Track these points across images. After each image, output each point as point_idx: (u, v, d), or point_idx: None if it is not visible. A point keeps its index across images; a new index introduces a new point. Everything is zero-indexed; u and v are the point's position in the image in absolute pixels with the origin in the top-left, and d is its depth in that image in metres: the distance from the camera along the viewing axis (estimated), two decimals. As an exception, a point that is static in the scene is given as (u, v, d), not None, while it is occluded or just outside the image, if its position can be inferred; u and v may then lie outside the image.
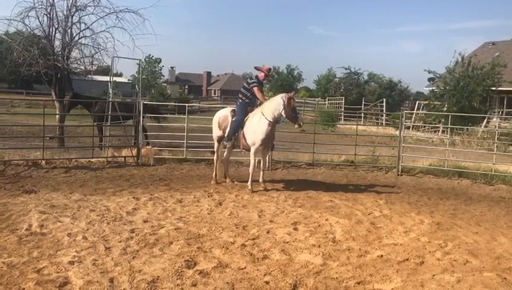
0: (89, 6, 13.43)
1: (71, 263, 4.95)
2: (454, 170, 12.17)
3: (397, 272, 5.11)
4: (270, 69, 9.78)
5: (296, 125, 9.07)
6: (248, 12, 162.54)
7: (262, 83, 9.86)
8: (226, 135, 9.58)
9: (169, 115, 20.69)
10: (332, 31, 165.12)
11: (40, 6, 13.06)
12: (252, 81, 9.53)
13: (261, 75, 9.54)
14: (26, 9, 12.90)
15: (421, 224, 7.24)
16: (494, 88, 26.59)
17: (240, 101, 9.54)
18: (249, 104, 9.47)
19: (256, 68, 9.72)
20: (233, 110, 9.69)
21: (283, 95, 9.09)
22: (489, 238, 6.67)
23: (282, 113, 8.91)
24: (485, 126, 23.65)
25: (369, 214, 7.72)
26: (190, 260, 5.17)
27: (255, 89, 9.33)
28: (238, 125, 9.36)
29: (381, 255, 5.63)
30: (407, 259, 5.54)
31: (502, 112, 28.09)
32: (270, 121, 9.01)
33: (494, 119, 25.65)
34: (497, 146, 13.74)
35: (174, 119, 18.02)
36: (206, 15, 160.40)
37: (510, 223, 7.72)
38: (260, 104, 9.43)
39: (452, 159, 13.02)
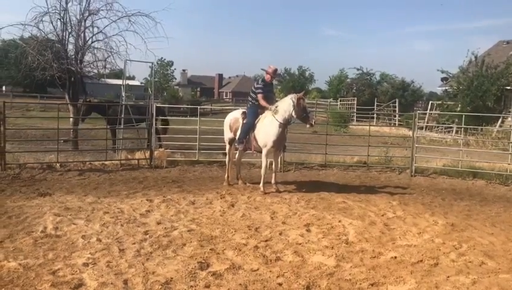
0: (102, 10, 13.58)
1: (85, 264, 5.00)
2: (469, 170, 12.04)
3: (411, 273, 5.07)
4: (276, 70, 9.67)
5: (308, 125, 9.04)
6: (259, 14, 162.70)
7: (271, 84, 9.86)
8: (237, 138, 9.59)
9: (181, 117, 20.80)
10: (344, 32, 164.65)
11: (54, 11, 13.26)
12: (258, 86, 9.45)
13: (267, 77, 9.53)
14: (40, 14, 13.11)
15: (435, 225, 7.18)
16: (508, 87, 26.26)
17: (250, 103, 9.55)
18: (260, 106, 9.47)
19: (263, 70, 9.72)
20: (244, 113, 9.70)
21: (292, 96, 9.09)
22: (505, 239, 6.58)
23: (293, 114, 8.90)
24: (500, 126, 23.33)
25: (382, 215, 7.67)
26: (203, 261, 5.19)
27: (259, 97, 9.31)
28: (249, 127, 9.36)
29: (395, 257, 5.59)
30: (421, 260, 5.50)
31: (517, 111, 27.73)
32: (281, 123, 9.00)
33: (509, 118, 25.30)
34: (512, 146, 13.55)
35: (186, 122, 18.08)
36: (218, 17, 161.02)
37: (526, 224, 7.62)
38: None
39: (466, 159, 12.88)
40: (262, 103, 9.30)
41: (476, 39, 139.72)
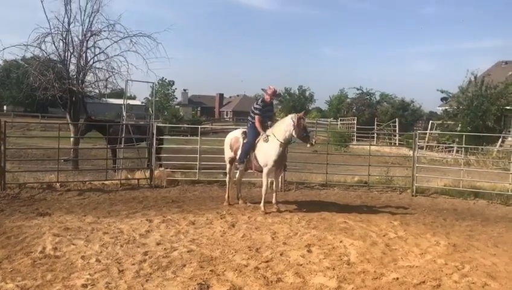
0: (104, 31, 13.75)
1: (84, 286, 4.95)
2: (470, 190, 12.01)
3: (414, 295, 5.01)
4: (275, 91, 9.69)
5: (309, 145, 9.06)
6: (259, 34, 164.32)
7: (271, 104, 9.89)
8: (237, 158, 9.58)
9: (182, 136, 20.82)
10: (344, 52, 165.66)
11: (56, 32, 13.41)
12: (256, 106, 9.46)
13: (267, 97, 9.57)
14: (43, 34, 13.24)
15: (437, 245, 7.12)
16: (508, 107, 26.36)
17: (250, 123, 9.57)
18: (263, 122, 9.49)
19: (263, 90, 9.77)
20: (244, 132, 9.72)
21: (293, 115, 9.12)
22: (508, 260, 6.52)
23: (293, 133, 8.92)
24: (500, 145, 23.35)
25: (384, 236, 7.61)
26: (203, 283, 5.13)
27: (256, 119, 9.34)
28: (250, 147, 9.36)
29: (397, 278, 5.53)
30: (424, 282, 5.44)
31: (517, 131, 27.78)
32: (281, 142, 9.01)
33: (510, 138, 25.35)
34: (513, 165, 13.53)
35: (187, 141, 18.10)
36: (218, 38, 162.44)
37: (529, 245, 7.55)
38: (271, 125, 9.45)
39: (467, 179, 12.85)
40: (258, 125, 9.31)
41: (476, 59, 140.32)
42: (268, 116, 9.65)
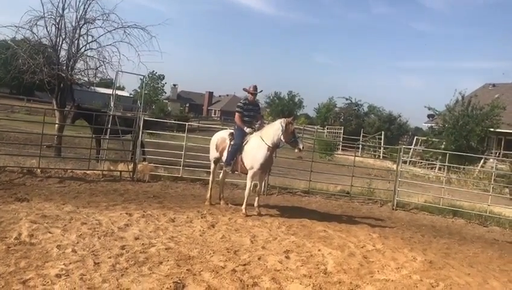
0: (98, 19, 13.58)
1: (58, 276, 4.87)
2: (449, 208, 12.16)
3: (387, 309, 5.03)
4: (255, 87, 9.61)
5: (297, 150, 9.09)
6: (252, 37, 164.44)
7: (257, 105, 9.91)
8: (224, 160, 9.55)
9: (167, 132, 20.68)
10: (336, 60, 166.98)
11: (50, 16, 13.20)
12: (238, 104, 9.65)
13: (250, 96, 9.65)
14: (36, 17, 13.03)
15: (414, 261, 7.17)
16: (492, 129, 26.77)
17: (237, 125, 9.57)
18: (248, 122, 9.52)
19: (245, 90, 9.77)
20: (231, 133, 9.69)
21: (281, 120, 9.13)
22: (482, 280, 6.60)
23: (282, 138, 8.93)
24: (482, 166, 23.68)
25: (362, 247, 7.65)
26: (179, 281, 5.09)
27: (236, 116, 9.53)
28: (237, 149, 9.34)
29: (372, 291, 5.56)
30: (398, 296, 5.47)
31: (499, 153, 28.23)
32: (269, 146, 9.02)
33: (491, 160, 25.67)
34: (493, 187, 13.74)
35: (173, 137, 18.00)
36: (212, 36, 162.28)
37: (503, 267, 7.67)
38: (259, 128, 9.45)
39: (447, 197, 13.02)
40: (238, 121, 9.42)
41: (464, 79, 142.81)
42: (252, 116, 9.65)
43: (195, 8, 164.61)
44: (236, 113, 9.52)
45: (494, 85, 37.70)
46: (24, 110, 33.73)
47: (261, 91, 9.81)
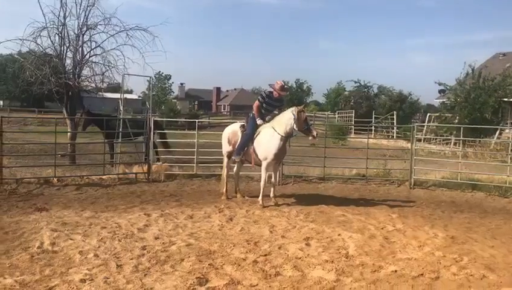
0: (100, 24, 13.63)
1: (83, 281, 4.93)
2: (468, 182, 12.03)
3: (412, 287, 5.01)
4: (282, 86, 9.42)
5: (311, 137, 9.00)
6: (256, 27, 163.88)
7: (281, 100, 9.60)
8: (235, 149, 9.55)
9: (179, 131, 20.75)
10: (342, 45, 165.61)
11: (52, 26, 13.29)
12: (261, 94, 9.54)
13: (275, 93, 9.34)
14: (38, 29, 13.13)
15: (435, 238, 7.12)
16: (506, 99, 26.38)
17: (251, 114, 9.53)
18: (265, 115, 9.43)
19: (270, 85, 9.51)
20: (242, 125, 9.69)
21: (293, 109, 9.05)
22: (506, 252, 6.53)
23: (294, 127, 8.88)
24: (498, 138, 23.37)
25: (382, 229, 7.62)
26: (202, 277, 5.12)
27: (254, 104, 9.44)
28: (248, 139, 9.32)
29: (395, 271, 5.53)
30: (422, 274, 5.44)
31: (515, 123, 27.81)
32: (282, 136, 8.98)
33: (507, 130, 25.36)
34: (510, 158, 13.54)
35: (184, 135, 18.06)
36: (214, 31, 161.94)
37: (527, 236, 7.57)
38: (270, 119, 9.39)
39: (465, 171, 12.87)
40: (255, 109, 9.35)
41: (474, 51, 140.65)
42: (271, 110, 9.47)
43: (195, 3, 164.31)
44: (256, 101, 9.41)
45: (504, 54, 36.97)
46: (36, 121, 34.09)
47: (291, 90, 9.69)
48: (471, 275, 5.45)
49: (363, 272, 5.49)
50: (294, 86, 61.22)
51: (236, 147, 9.52)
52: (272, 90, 9.40)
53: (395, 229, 7.63)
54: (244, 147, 9.37)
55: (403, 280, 5.24)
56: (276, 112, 9.43)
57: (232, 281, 5.05)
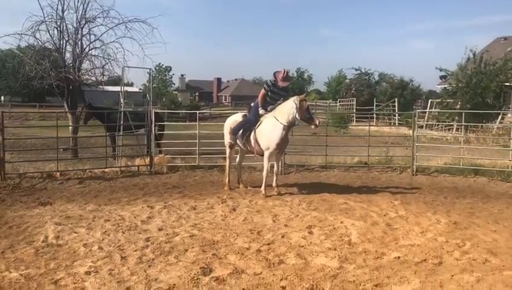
0: (98, 17, 13.60)
1: (88, 273, 4.97)
2: (470, 168, 12.02)
3: (415, 273, 5.03)
4: (284, 76, 9.21)
5: (313, 126, 8.98)
6: (255, 16, 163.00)
7: (286, 89, 9.52)
8: (232, 129, 9.57)
9: (180, 122, 20.77)
10: (342, 33, 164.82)
11: (50, 20, 13.25)
12: (267, 82, 9.44)
13: (279, 83, 9.25)
14: (37, 23, 13.09)
15: (438, 224, 7.14)
16: (507, 83, 26.26)
17: (254, 103, 9.53)
18: (269, 104, 9.38)
19: (275, 74, 9.37)
20: (244, 115, 9.70)
21: (294, 98, 9.01)
22: (509, 236, 6.54)
23: (296, 116, 8.87)
24: (500, 122, 23.33)
25: (384, 215, 7.64)
26: (206, 266, 5.16)
27: (261, 92, 9.41)
28: (247, 122, 9.33)
29: (398, 257, 5.56)
30: (425, 260, 5.46)
31: (517, 107, 27.71)
32: (284, 125, 8.97)
33: (509, 115, 25.31)
34: (513, 142, 13.53)
35: (186, 127, 18.08)
36: (213, 21, 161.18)
37: (529, 220, 7.58)
38: (271, 109, 9.36)
39: (467, 157, 12.86)
40: (260, 98, 9.34)
41: (474, 36, 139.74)
42: (276, 99, 9.37)
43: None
44: (262, 90, 9.38)
45: (505, 38, 36.72)
46: (37, 116, 34.14)
47: (293, 79, 9.64)
48: (474, 260, 5.47)
49: (366, 259, 5.52)
50: (296, 75, 60.96)
51: (240, 139, 9.53)
52: (276, 80, 9.31)
53: (398, 215, 7.65)
54: (241, 129, 9.37)
55: (405, 266, 5.26)
56: (281, 101, 9.38)
57: (235, 270, 5.08)
